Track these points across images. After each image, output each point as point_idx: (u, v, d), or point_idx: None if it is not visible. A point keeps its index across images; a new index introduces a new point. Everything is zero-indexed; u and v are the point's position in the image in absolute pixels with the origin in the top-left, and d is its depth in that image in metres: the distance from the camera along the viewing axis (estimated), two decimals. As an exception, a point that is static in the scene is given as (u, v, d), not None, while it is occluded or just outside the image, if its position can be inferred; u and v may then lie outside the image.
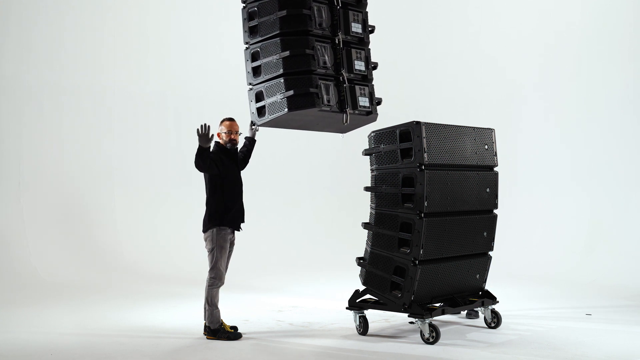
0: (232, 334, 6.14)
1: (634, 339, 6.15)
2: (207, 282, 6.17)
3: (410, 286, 5.92)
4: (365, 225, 6.30)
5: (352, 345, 5.92)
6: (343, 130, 6.97)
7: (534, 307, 7.77)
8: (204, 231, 6.20)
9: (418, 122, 5.96)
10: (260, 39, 6.43)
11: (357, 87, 6.54)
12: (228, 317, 7.15)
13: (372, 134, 6.30)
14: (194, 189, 11.58)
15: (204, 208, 6.22)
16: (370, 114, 6.66)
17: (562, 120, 10.87)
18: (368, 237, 6.34)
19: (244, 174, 6.49)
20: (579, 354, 5.56)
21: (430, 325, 5.90)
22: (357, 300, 6.32)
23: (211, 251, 6.16)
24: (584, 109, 10.63)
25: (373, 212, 6.27)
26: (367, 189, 6.33)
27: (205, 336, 6.17)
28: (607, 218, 10.13)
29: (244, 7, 6.57)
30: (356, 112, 6.52)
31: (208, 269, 6.17)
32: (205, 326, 6.19)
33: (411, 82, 12.36)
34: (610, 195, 10.19)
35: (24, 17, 10.25)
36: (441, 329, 6.22)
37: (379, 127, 6.43)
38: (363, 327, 6.27)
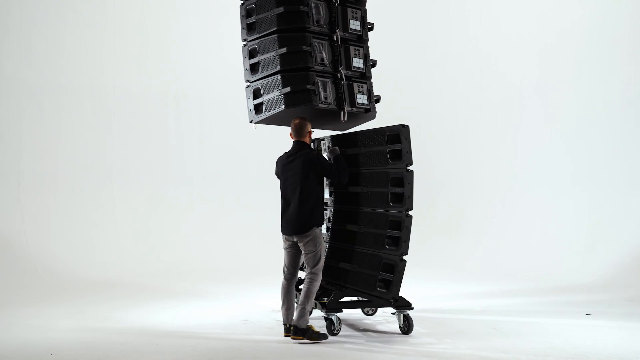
0: (322, 334, 5.99)
1: (634, 339, 6.14)
2: (308, 282, 6.02)
3: (399, 281, 6.14)
4: (350, 226, 6.45)
5: (353, 345, 5.91)
6: (341, 128, 6.98)
7: (534, 306, 7.77)
8: (306, 230, 5.98)
9: (406, 125, 6.12)
10: (257, 35, 6.45)
11: (355, 85, 6.55)
12: (229, 317, 7.15)
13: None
14: (194, 189, 11.65)
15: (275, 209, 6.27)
16: (368, 112, 6.67)
17: (562, 121, 10.83)
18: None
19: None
20: (579, 354, 5.56)
21: (405, 316, 6.23)
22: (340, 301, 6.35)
23: (316, 251, 6.03)
24: (584, 109, 10.60)
25: (357, 211, 6.44)
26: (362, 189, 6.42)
27: (291, 337, 5.98)
28: (607, 218, 10.11)
29: (242, 4, 6.59)
30: (354, 109, 6.52)
31: (310, 269, 6.04)
32: (292, 327, 6.00)
33: (410, 81, 12.35)
34: (610, 195, 10.17)
35: (24, 17, 10.26)
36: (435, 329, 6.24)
37: (379, 125, 6.45)
38: (339, 328, 6.27)
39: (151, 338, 6.21)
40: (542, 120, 11.05)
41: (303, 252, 6.11)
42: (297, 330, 5.97)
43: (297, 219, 6.03)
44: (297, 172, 6.04)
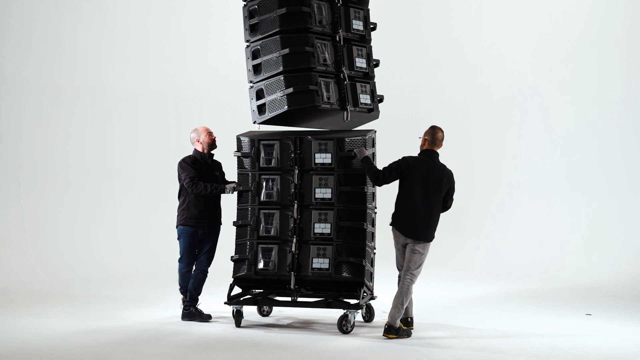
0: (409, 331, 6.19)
1: (634, 339, 6.16)
2: (409, 281, 6.13)
3: (373, 273, 6.67)
4: (366, 226, 6.48)
5: (354, 343, 5.91)
6: (344, 128, 6.98)
7: (534, 306, 7.78)
8: (431, 239, 6.20)
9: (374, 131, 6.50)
10: (260, 36, 6.47)
11: (358, 85, 6.57)
12: (229, 316, 7.15)
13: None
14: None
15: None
16: (371, 112, 6.69)
17: (565, 121, 10.81)
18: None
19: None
20: (579, 354, 5.57)
21: (367, 306, 6.73)
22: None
23: (424, 254, 6.20)
24: (587, 109, 10.57)
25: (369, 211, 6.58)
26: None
27: (383, 335, 6.07)
28: (607, 218, 10.11)
29: (245, 5, 6.60)
30: (357, 109, 6.54)
31: (414, 270, 6.16)
32: (386, 325, 6.08)
33: (413, 80, 12.32)
34: (611, 195, 10.17)
35: (24, 17, 10.25)
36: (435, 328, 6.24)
37: (380, 124, 6.50)
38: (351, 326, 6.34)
39: (151, 338, 6.21)
40: (546, 119, 11.02)
41: (412, 252, 6.15)
42: (391, 330, 6.05)
43: (426, 226, 6.13)
44: (439, 183, 6.11)
